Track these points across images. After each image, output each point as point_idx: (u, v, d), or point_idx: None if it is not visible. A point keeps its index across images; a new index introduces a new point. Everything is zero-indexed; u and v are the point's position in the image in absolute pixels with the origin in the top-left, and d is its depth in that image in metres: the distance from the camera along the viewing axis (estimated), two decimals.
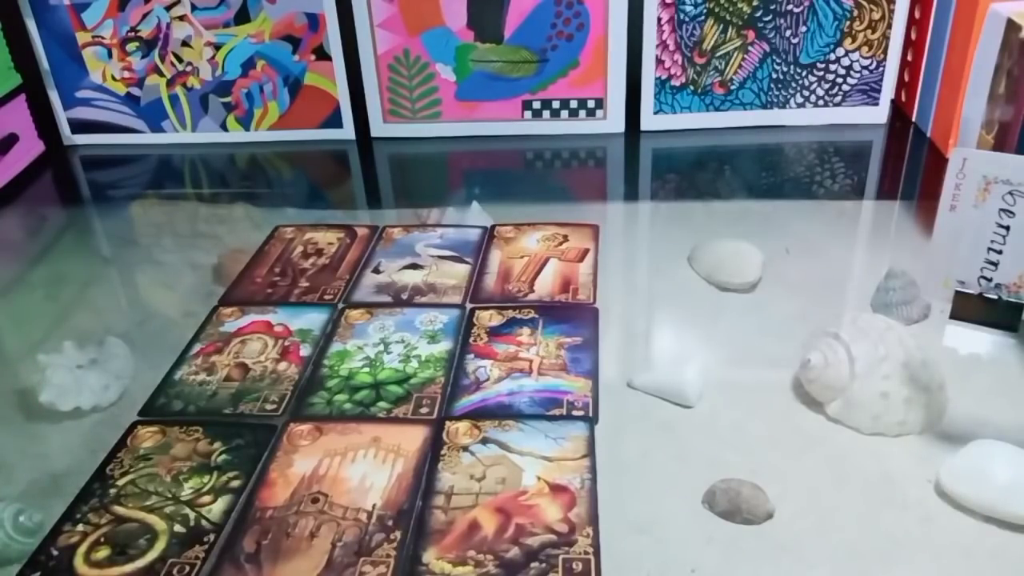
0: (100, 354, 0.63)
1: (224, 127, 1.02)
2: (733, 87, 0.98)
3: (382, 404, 0.59)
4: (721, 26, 0.95)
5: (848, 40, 0.96)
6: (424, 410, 0.59)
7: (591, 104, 0.99)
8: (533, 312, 0.68)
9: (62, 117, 1.03)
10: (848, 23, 0.95)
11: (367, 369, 0.63)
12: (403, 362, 0.64)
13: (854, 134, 0.99)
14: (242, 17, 0.97)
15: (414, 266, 0.75)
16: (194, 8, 0.97)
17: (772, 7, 0.94)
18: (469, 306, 0.70)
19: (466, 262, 0.75)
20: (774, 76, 0.98)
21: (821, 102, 0.99)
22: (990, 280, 0.63)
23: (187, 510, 0.52)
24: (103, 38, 0.98)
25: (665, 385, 0.60)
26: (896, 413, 0.55)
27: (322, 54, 0.98)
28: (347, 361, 0.64)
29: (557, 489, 0.52)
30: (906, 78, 1.00)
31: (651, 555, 0.48)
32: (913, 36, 0.97)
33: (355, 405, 0.60)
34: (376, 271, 0.75)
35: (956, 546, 0.48)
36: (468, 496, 0.52)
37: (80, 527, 0.51)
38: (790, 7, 0.94)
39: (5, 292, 0.79)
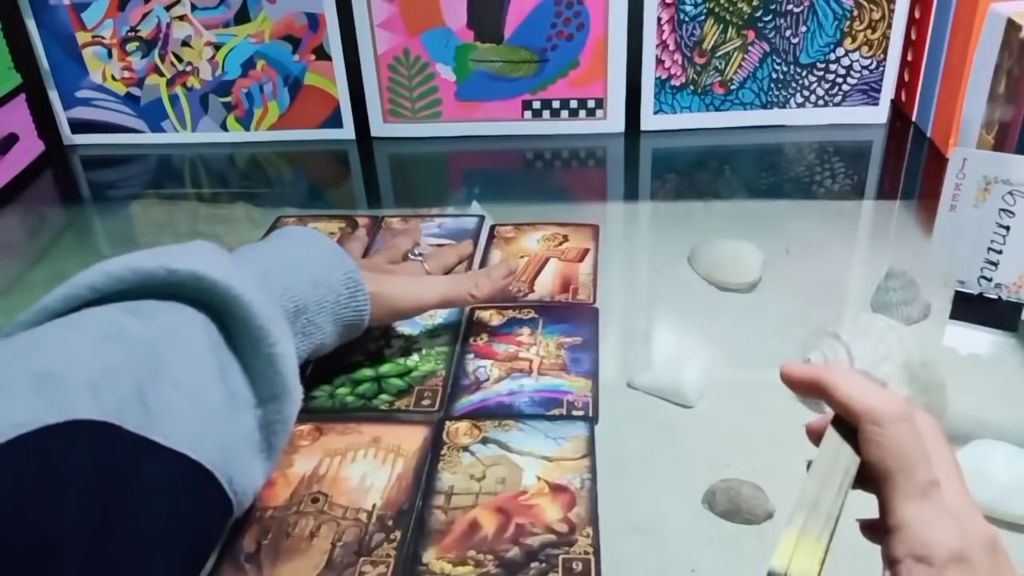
0: None
1: (224, 127, 1.02)
2: (733, 87, 0.98)
3: (384, 397, 0.60)
4: (721, 26, 0.95)
5: (848, 40, 0.96)
6: (426, 402, 0.59)
7: (591, 104, 0.99)
8: (533, 312, 0.68)
9: (62, 117, 1.03)
10: (848, 23, 0.95)
11: (368, 362, 0.63)
12: (404, 355, 0.64)
13: (854, 134, 0.99)
14: (242, 17, 0.97)
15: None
16: (194, 8, 0.97)
17: (772, 7, 0.94)
18: (469, 306, 0.70)
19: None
20: (774, 76, 0.98)
21: (821, 102, 0.99)
22: (990, 280, 0.63)
23: None
24: (103, 38, 0.98)
25: (665, 385, 0.60)
26: None
27: (322, 54, 0.98)
28: (348, 354, 0.63)
29: (557, 489, 0.52)
30: (906, 78, 1.00)
31: (651, 555, 0.48)
32: (913, 36, 0.97)
33: (357, 398, 0.60)
34: None
35: None
36: (468, 496, 0.52)
37: None
38: (790, 7, 0.94)
39: (5, 292, 0.79)
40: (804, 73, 0.98)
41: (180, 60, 0.99)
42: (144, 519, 0.39)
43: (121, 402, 0.39)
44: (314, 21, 0.97)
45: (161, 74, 1.00)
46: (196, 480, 0.42)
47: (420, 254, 0.70)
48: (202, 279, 0.45)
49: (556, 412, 0.58)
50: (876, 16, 0.95)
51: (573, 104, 0.99)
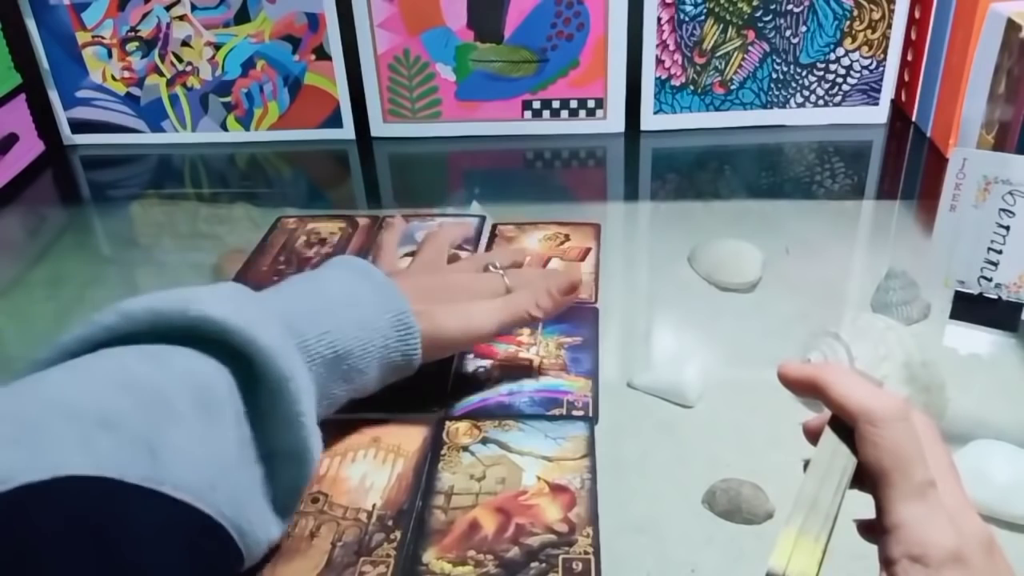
0: None
1: (224, 127, 1.02)
2: (733, 87, 0.98)
3: (384, 397, 0.60)
4: (721, 26, 0.95)
5: (848, 40, 0.96)
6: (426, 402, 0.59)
7: (591, 104, 0.99)
8: None
9: (62, 117, 1.03)
10: (848, 23, 0.95)
11: None
12: None
13: (854, 134, 0.99)
14: (242, 17, 0.97)
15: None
16: (194, 8, 0.97)
17: (772, 7, 0.94)
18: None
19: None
20: (774, 76, 0.98)
21: (821, 102, 0.99)
22: (990, 280, 0.63)
23: None
24: (103, 38, 0.98)
25: (665, 385, 0.60)
26: None
27: (322, 54, 0.98)
28: None
29: (557, 489, 0.52)
30: (906, 78, 1.00)
31: (651, 555, 0.48)
32: (913, 36, 0.97)
33: None
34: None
35: None
36: (468, 496, 0.52)
37: None
38: (790, 7, 0.94)
39: (5, 292, 0.79)
40: (804, 73, 0.98)
41: (180, 60, 0.99)
42: (146, 572, 0.38)
43: (122, 453, 0.38)
44: (314, 21, 0.97)
45: (161, 74, 1.00)
46: (204, 531, 0.41)
47: (501, 268, 0.62)
48: (220, 324, 0.43)
49: (556, 412, 0.58)
50: (876, 16, 0.95)
51: (573, 104, 0.99)
